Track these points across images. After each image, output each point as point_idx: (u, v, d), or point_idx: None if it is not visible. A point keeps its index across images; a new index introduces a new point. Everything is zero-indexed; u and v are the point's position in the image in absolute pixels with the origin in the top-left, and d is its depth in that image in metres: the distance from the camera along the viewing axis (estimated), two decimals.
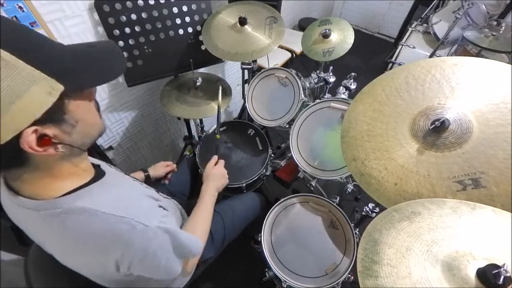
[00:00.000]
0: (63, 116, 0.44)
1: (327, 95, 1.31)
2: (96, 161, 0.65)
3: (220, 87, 1.03)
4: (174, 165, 1.04)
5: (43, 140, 0.42)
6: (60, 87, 0.41)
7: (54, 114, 0.43)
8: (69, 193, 0.50)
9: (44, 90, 0.40)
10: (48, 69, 0.40)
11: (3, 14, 0.78)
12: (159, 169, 1.00)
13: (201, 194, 0.89)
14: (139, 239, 0.52)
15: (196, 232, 0.75)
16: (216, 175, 0.95)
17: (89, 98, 0.50)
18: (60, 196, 0.49)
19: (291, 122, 1.17)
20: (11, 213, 0.58)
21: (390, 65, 2.22)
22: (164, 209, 0.65)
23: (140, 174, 1.01)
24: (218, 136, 1.08)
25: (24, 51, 0.39)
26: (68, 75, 0.43)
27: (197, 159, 1.19)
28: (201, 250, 0.72)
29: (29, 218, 0.51)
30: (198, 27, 1.19)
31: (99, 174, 0.58)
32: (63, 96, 0.42)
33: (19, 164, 0.45)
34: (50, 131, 0.43)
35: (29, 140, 0.40)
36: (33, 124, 0.40)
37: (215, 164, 0.99)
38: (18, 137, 0.39)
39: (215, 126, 1.38)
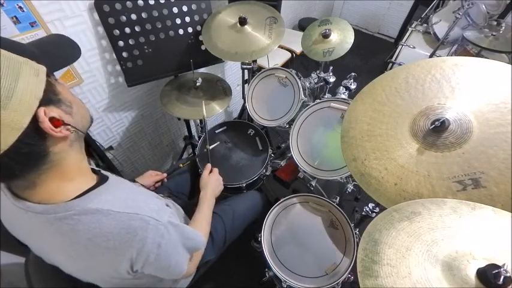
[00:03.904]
0: (58, 97, 0.47)
1: (327, 95, 1.31)
2: (95, 168, 0.66)
3: (204, 104, 1.03)
4: (164, 175, 1.02)
5: (54, 122, 0.45)
6: (42, 68, 0.44)
7: (51, 95, 0.46)
8: (78, 197, 0.50)
9: (31, 72, 0.42)
10: (25, 54, 0.43)
11: (3, 14, 0.79)
12: (147, 178, 0.99)
13: (200, 201, 0.91)
14: (152, 235, 0.53)
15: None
16: (212, 182, 0.99)
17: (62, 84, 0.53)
18: (71, 200, 0.50)
19: (291, 122, 1.17)
20: (12, 223, 0.58)
21: (390, 65, 2.22)
22: (169, 207, 0.66)
23: None
24: (207, 147, 1.12)
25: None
26: (40, 59, 0.46)
27: (197, 160, 1.19)
28: (204, 245, 0.74)
29: (36, 223, 0.51)
30: (198, 27, 1.19)
31: (102, 178, 0.58)
32: (47, 77, 0.45)
33: (40, 159, 0.46)
34: (54, 112, 0.45)
35: (45, 122, 0.43)
36: (39, 106, 0.42)
37: (209, 173, 1.03)
38: (36, 125, 0.42)
39: (217, 125, 1.39)
